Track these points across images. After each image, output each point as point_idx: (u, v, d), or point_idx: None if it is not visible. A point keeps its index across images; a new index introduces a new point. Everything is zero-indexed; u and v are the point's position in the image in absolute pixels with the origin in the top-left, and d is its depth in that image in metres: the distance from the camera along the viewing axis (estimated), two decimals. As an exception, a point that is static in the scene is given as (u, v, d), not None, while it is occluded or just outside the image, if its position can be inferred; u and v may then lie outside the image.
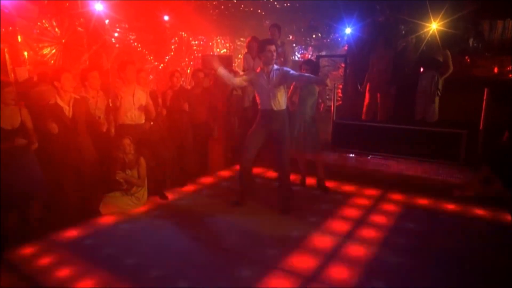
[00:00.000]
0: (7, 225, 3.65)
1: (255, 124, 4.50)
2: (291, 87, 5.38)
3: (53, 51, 7.98)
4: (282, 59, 6.83)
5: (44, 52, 7.87)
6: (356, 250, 3.63)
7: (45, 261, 3.46)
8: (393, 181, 5.50)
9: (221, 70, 4.14)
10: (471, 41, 7.12)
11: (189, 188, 5.40)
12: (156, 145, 4.95)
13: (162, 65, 10.86)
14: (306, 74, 4.49)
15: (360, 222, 4.27)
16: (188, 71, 11.37)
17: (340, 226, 4.16)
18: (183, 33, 11.59)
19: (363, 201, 4.88)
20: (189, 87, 6.00)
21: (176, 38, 11.39)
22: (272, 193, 4.80)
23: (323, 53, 13.18)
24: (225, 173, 6.02)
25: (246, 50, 6.70)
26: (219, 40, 12.95)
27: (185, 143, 5.52)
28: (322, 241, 3.82)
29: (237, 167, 4.70)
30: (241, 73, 4.47)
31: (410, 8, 7.15)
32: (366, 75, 7.10)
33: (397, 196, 5.03)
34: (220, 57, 10.40)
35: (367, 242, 3.78)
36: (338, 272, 3.27)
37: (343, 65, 10.81)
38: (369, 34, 7.52)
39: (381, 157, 6.00)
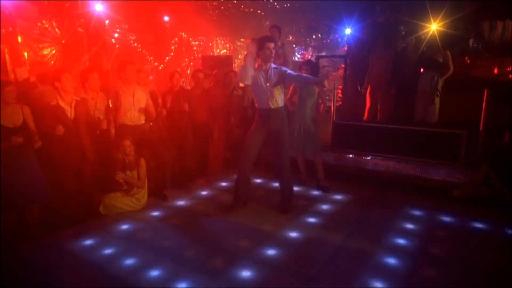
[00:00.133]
0: (6, 226, 3.65)
1: (254, 124, 4.48)
2: (291, 88, 5.39)
3: (53, 51, 7.98)
4: (282, 60, 6.84)
5: (44, 53, 7.87)
6: (356, 250, 3.63)
7: (44, 262, 3.47)
8: (393, 182, 5.50)
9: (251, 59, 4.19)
10: (471, 41, 7.12)
11: (189, 188, 5.40)
12: (156, 145, 4.95)
13: (162, 65, 10.86)
14: (304, 75, 4.47)
15: (360, 223, 4.27)
16: (188, 71, 11.37)
17: (340, 226, 4.16)
18: (183, 33, 11.59)
19: (363, 202, 4.88)
20: (189, 88, 5.99)
21: (176, 39, 11.39)
22: (271, 193, 4.79)
23: (323, 53, 13.19)
24: (225, 174, 6.02)
25: (246, 51, 6.70)
26: (219, 41, 12.96)
27: (185, 144, 5.52)
28: (322, 241, 3.83)
29: (237, 167, 4.66)
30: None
31: (410, 8, 7.15)
32: (366, 76, 7.10)
33: (397, 197, 5.03)
34: (220, 57, 10.44)
35: (367, 243, 3.78)
36: (338, 273, 3.27)
37: (343, 65, 10.82)
38: (369, 34, 7.52)
39: (381, 158, 6.00)
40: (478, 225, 4.19)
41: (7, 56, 6.65)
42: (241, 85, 5.13)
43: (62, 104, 4.14)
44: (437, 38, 6.54)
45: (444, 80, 6.24)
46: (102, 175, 4.66)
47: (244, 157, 4.42)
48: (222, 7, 11.65)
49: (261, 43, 4.27)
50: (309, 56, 13.34)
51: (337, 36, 12.23)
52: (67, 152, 4.15)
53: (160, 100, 5.52)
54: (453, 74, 6.26)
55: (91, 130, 4.49)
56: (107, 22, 8.66)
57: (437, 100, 6.29)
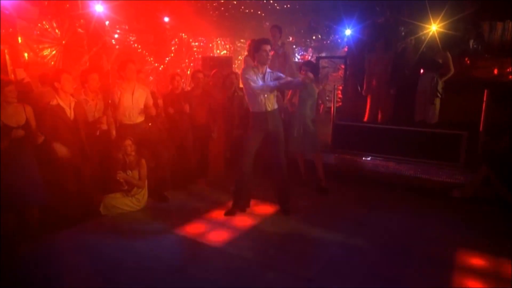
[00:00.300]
0: (6, 226, 3.65)
1: (250, 129, 4.41)
2: (291, 89, 5.38)
3: (53, 52, 7.96)
4: (282, 59, 6.85)
5: (44, 53, 7.86)
6: (356, 251, 3.63)
7: (44, 262, 3.46)
8: (393, 182, 5.50)
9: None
10: (471, 42, 7.12)
11: (189, 189, 5.40)
12: (156, 146, 4.95)
13: (162, 66, 10.85)
14: (286, 80, 4.35)
15: (360, 223, 4.28)
16: (188, 72, 11.36)
17: (340, 226, 4.16)
18: (183, 34, 11.58)
19: (363, 202, 4.88)
20: (189, 89, 5.99)
21: (176, 40, 11.38)
22: (271, 193, 4.77)
23: (323, 54, 13.18)
24: (225, 174, 6.01)
25: (246, 52, 6.71)
26: (219, 42, 12.95)
27: (185, 144, 5.52)
28: (322, 242, 3.83)
29: (237, 168, 4.63)
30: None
31: (410, 9, 7.15)
32: (365, 77, 7.10)
33: (397, 197, 5.03)
34: (220, 58, 10.43)
35: (367, 244, 3.78)
36: (339, 273, 3.27)
37: (343, 66, 10.82)
38: (369, 35, 7.52)
39: (381, 158, 6.00)
40: (478, 225, 4.19)
41: (7, 57, 6.65)
42: (241, 85, 5.11)
43: (61, 103, 4.14)
44: (437, 39, 6.54)
45: (444, 81, 6.24)
46: (102, 175, 4.66)
47: (245, 161, 4.39)
48: (222, 8, 11.64)
49: (257, 45, 4.24)
50: (309, 57, 13.34)
51: (337, 37, 12.24)
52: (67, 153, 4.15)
53: (160, 101, 5.53)
54: (453, 75, 6.25)
55: (91, 130, 4.48)
56: (107, 23, 8.65)
57: (437, 101, 6.29)
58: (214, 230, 4.13)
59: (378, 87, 6.88)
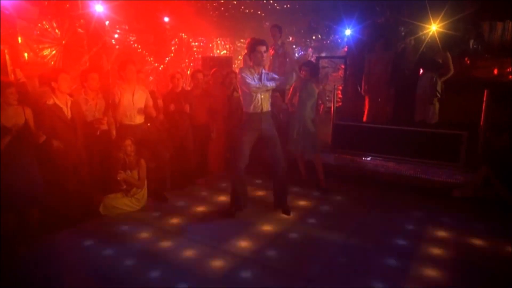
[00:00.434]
0: (6, 226, 3.64)
1: (243, 129, 4.40)
2: (291, 89, 5.39)
3: (53, 52, 7.95)
4: (281, 59, 6.85)
5: (45, 53, 7.85)
6: (357, 251, 3.63)
7: (44, 262, 3.46)
8: (393, 182, 5.50)
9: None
10: (471, 42, 7.12)
11: (189, 189, 5.40)
12: (156, 146, 4.95)
13: (162, 66, 10.84)
14: (276, 79, 4.32)
15: (360, 223, 4.28)
16: (188, 72, 11.36)
17: (340, 227, 4.16)
18: (183, 34, 11.57)
19: (363, 203, 4.88)
20: (188, 89, 5.99)
21: (176, 40, 11.38)
22: (271, 193, 4.77)
23: (323, 54, 13.17)
24: (225, 174, 6.01)
25: (246, 51, 6.70)
26: (219, 42, 12.94)
27: (185, 144, 5.52)
28: (322, 242, 3.83)
29: (232, 170, 4.61)
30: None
31: (410, 9, 7.15)
32: (364, 77, 7.10)
33: (397, 197, 5.03)
34: (220, 58, 10.44)
35: (367, 243, 3.78)
36: (338, 273, 3.27)
37: (343, 66, 10.82)
38: (369, 35, 7.52)
39: (381, 159, 6.00)
40: (478, 225, 4.19)
41: (7, 57, 6.65)
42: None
43: (59, 103, 4.14)
44: (437, 39, 6.54)
45: (443, 81, 6.24)
46: (102, 176, 4.66)
47: (238, 160, 4.38)
48: (222, 8, 11.64)
49: (252, 46, 4.23)
50: (309, 57, 13.33)
51: (337, 37, 12.23)
52: (65, 152, 4.15)
53: (160, 101, 5.53)
54: (453, 74, 6.26)
55: (90, 131, 4.48)
56: (107, 23, 8.65)
57: (437, 101, 6.29)
58: (214, 229, 4.13)
59: (378, 87, 6.88)
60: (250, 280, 3.18)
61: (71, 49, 8.02)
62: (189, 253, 3.61)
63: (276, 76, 4.36)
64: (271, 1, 11.85)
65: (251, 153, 4.42)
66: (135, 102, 4.68)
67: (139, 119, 4.77)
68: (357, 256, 3.57)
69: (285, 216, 4.44)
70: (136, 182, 4.60)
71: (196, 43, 12.22)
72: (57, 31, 7.97)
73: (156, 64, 10.73)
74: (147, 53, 10.40)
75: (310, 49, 13.40)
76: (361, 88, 7.30)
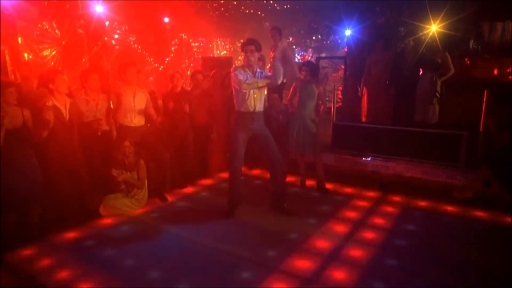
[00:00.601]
0: (6, 227, 3.64)
1: (236, 129, 4.40)
2: (291, 89, 5.39)
3: (53, 52, 7.96)
4: (281, 61, 6.84)
5: (45, 54, 7.86)
6: (356, 252, 3.63)
7: (45, 262, 3.46)
8: (393, 183, 5.50)
9: None
10: (471, 42, 7.12)
11: (189, 189, 5.40)
12: (156, 146, 4.95)
13: (162, 66, 10.85)
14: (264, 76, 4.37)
15: (360, 224, 4.27)
16: (188, 72, 11.37)
17: (340, 227, 4.16)
18: (183, 34, 11.58)
19: (363, 203, 4.88)
20: (188, 89, 5.99)
21: (176, 40, 11.38)
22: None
23: (323, 54, 13.18)
24: (225, 175, 6.00)
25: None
26: (219, 42, 12.95)
27: (185, 145, 5.52)
28: (322, 242, 3.82)
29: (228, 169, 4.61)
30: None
31: (410, 9, 7.15)
32: (363, 78, 7.11)
33: (397, 198, 5.03)
34: (220, 59, 10.44)
35: (367, 244, 3.78)
36: (338, 274, 3.27)
37: (343, 66, 10.82)
38: (369, 36, 7.52)
39: (381, 159, 5.99)
40: (478, 226, 4.19)
41: (7, 57, 6.65)
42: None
43: (57, 104, 4.14)
44: (437, 39, 6.54)
45: (443, 81, 6.24)
46: (103, 176, 4.66)
47: (234, 159, 4.39)
48: (222, 9, 11.64)
49: (242, 47, 4.31)
50: (309, 57, 13.34)
51: (337, 37, 12.24)
52: (62, 153, 4.15)
53: (160, 102, 5.53)
54: (454, 75, 6.25)
55: (90, 131, 4.48)
56: (107, 23, 8.66)
57: (437, 101, 6.28)
58: (213, 230, 4.13)
59: (377, 88, 6.88)
60: (250, 280, 3.17)
61: (71, 49, 8.02)
62: (189, 253, 3.61)
63: (269, 74, 4.36)
64: (271, 2, 11.86)
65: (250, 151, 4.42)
66: (135, 104, 4.68)
67: (139, 121, 4.78)
68: (358, 256, 3.56)
69: (285, 216, 4.43)
70: (136, 182, 4.60)
71: (196, 44, 12.23)
72: (57, 31, 7.98)
73: (156, 65, 10.73)
74: (147, 54, 10.41)
75: (310, 49, 13.41)
76: (360, 89, 7.30)
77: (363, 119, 7.16)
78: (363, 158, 6.11)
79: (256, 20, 12.00)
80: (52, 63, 7.90)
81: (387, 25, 7.43)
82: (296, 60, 13.13)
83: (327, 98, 7.38)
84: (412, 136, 5.85)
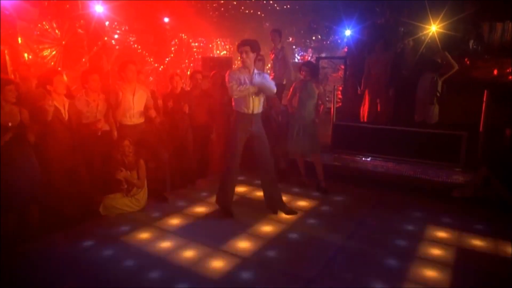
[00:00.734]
0: (6, 226, 3.65)
1: (234, 129, 4.40)
2: (291, 90, 5.39)
3: (53, 52, 7.97)
4: (281, 62, 6.86)
5: (45, 54, 7.86)
6: (356, 252, 3.64)
7: (45, 262, 3.47)
8: (393, 183, 5.50)
9: None
10: (471, 43, 7.13)
11: (188, 190, 5.40)
12: (156, 146, 4.95)
13: (162, 66, 10.85)
14: (270, 82, 4.33)
15: (360, 224, 4.27)
16: (188, 73, 11.38)
17: (340, 227, 4.16)
18: (183, 35, 11.59)
19: (363, 203, 4.88)
20: (188, 89, 5.99)
21: (176, 40, 11.39)
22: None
23: (323, 55, 13.18)
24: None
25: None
26: (219, 42, 12.96)
27: (185, 145, 5.51)
28: (322, 242, 3.83)
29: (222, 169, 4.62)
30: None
31: (410, 10, 7.16)
32: (363, 77, 7.11)
33: (397, 198, 5.03)
34: (220, 59, 10.44)
35: (367, 244, 3.78)
36: (338, 274, 3.27)
37: (342, 67, 10.83)
38: (369, 36, 7.53)
39: (381, 159, 6.00)
40: (478, 226, 4.19)
41: (7, 57, 6.66)
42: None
43: (57, 105, 4.14)
44: (437, 39, 6.55)
45: (446, 80, 6.23)
46: (103, 176, 4.66)
47: (231, 160, 4.39)
48: (222, 9, 11.65)
49: (237, 48, 4.26)
50: (309, 58, 13.35)
51: (337, 37, 12.25)
52: (61, 153, 4.15)
53: (160, 102, 5.52)
54: (454, 75, 6.26)
55: (90, 131, 4.48)
56: (107, 23, 8.67)
57: (437, 101, 6.29)
58: (213, 230, 4.12)
59: (377, 88, 6.89)
60: (250, 280, 3.18)
61: (71, 49, 8.03)
62: (189, 253, 3.61)
63: (267, 77, 4.33)
64: (271, 2, 11.87)
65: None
66: (135, 103, 4.67)
67: (138, 119, 4.76)
68: (357, 256, 3.57)
69: (284, 217, 4.43)
70: (136, 181, 4.61)
71: (196, 44, 12.24)
72: (57, 31, 7.98)
73: (156, 65, 10.74)
74: (147, 54, 10.42)
75: (310, 50, 13.42)
76: (360, 89, 7.30)
77: (363, 119, 7.17)
78: (363, 158, 6.11)
79: (256, 20, 12.00)
80: (52, 63, 7.91)
81: (387, 25, 7.44)
82: (296, 60, 13.15)
83: (327, 98, 7.38)
84: (412, 136, 5.85)
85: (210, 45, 12.71)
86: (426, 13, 6.62)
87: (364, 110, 7.15)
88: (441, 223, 4.28)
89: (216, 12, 11.59)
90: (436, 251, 3.64)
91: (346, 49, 9.68)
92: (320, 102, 5.33)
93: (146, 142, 4.83)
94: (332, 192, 5.21)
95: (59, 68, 7.63)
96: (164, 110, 5.38)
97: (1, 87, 3.58)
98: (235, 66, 10.10)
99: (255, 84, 4.17)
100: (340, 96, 9.50)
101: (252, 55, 4.22)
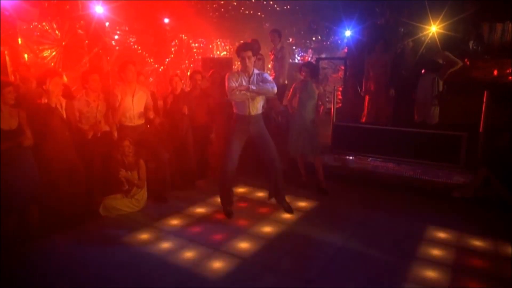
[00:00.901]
0: (6, 226, 3.65)
1: (232, 130, 4.39)
2: (291, 90, 5.39)
3: (54, 53, 7.98)
4: (280, 63, 6.87)
5: (45, 55, 7.88)
6: (356, 252, 3.63)
7: (45, 262, 3.47)
8: (393, 183, 5.50)
9: None
10: (470, 43, 7.13)
11: (188, 190, 5.39)
12: (156, 146, 4.95)
13: (162, 67, 10.86)
14: (267, 86, 4.26)
15: (360, 224, 4.27)
16: (188, 73, 11.38)
17: (340, 227, 4.16)
18: (183, 35, 11.60)
19: (363, 203, 4.88)
20: (188, 89, 6.00)
21: (176, 41, 11.40)
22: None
23: (323, 55, 13.19)
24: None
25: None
26: (219, 43, 12.97)
27: (185, 145, 5.51)
28: (322, 243, 3.83)
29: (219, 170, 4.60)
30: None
31: (410, 10, 7.16)
32: (364, 78, 7.11)
33: (397, 198, 5.03)
34: (220, 59, 10.45)
35: (367, 245, 3.78)
36: (339, 274, 3.27)
37: (342, 67, 10.84)
38: (369, 36, 7.53)
39: (381, 160, 6.00)
40: (478, 226, 4.18)
41: (7, 58, 6.67)
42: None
43: (56, 105, 4.14)
44: (437, 40, 6.55)
45: (444, 82, 6.23)
46: (103, 176, 4.65)
47: (226, 163, 4.36)
48: (222, 9, 11.66)
49: (237, 51, 4.25)
50: (309, 58, 13.35)
51: (337, 38, 12.27)
52: (60, 153, 4.15)
53: (160, 102, 5.52)
54: (453, 76, 6.26)
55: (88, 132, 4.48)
56: (107, 24, 8.68)
57: (437, 102, 6.28)
58: (213, 230, 4.12)
59: (378, 88, 6.89)
60: (250, 281, 3.17)
61: (71, 50, 8.05)
62: (189, 254, 3.61)
63: (268, 78, 4.30)
64: (271, 3, 11.88)
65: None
66: (135, 104, 4.68)
67: (138, 120, 4.77)
68: (357, 257, 3.56)
69: (284, 217, 4.43)
70: (137, 182, 4.61)
71: (196, 44, 12.26)
72: (57, 32, 8.00)
73: (156, 65, 10.75)
74: (147, 54, 10.43)
75: (310, 50, 13.43)
76: (361, 89, 7.30)
77: (363, 120, 7.17)
78: (363, 159, 6.11)
79: (256, 21, 12.02)
80: (52, 64, 7.92)
81: (387, 26, 7.44)
82: (296, 61, 13.16)
83: (327, 99, 7.39)
84: (412, 137, 5.85)
85: (210, 46, 12.73)
86: (426, 14, 6.62)
87: (364, 110, 7.15)
88: (441, 223, 4.27)
89: (216, 13, 11.60)
90: (436, 251, 3.64)
91: (346, 50, 9.70)
92: (320, 103, 5.33)
93: (146, 142, 4.83)
94: (332, 193, 5.21)
95: (59, 69, 7.64)
96: (164, 111, 5.38)
97: (1, 89, 3.58)
98: (235, 67, 10.11)
99: (252, 90, 4.16)
100: (340, 97, 9.50)
101: (253, 59, 4.23)
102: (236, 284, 3.14)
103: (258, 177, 5.57)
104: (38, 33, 7.70)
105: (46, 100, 4.06)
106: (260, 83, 4.22)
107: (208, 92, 5.84)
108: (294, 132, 5.26)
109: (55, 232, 3.99)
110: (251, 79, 4.23)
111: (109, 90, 4.96)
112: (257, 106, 4.33)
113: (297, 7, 11.65)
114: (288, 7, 11.78)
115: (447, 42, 6.60)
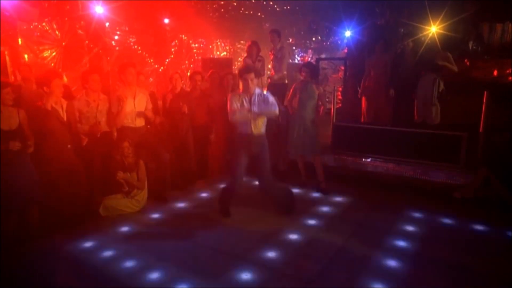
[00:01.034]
0: (6, 226, 3.65)
1: (235, 151, 4.39)
2: (291, 91, 5.40)
3: (54, 53, 7.97)
4: (280, 63, 6.86)
5: (45, 55, 7.86)
6: (356, 252, 3.63)
7: (45, 262, 3.46)
8: (393, 184, 5.50)
9: None
10: (470, 43, 7.13)
11: (189, 190, 5.39)
12: (156, 147, 4.95)
13: (162, 67, 10.85)
14: (269, 108, 4.28)
15: (360, 224, 4.27)
16: (188, 74, 11.37)
17: (340, 228, 4.16)
18: (183, 36, 11.58)
19: (363, 204, 4.88)
20: (188, 90, 6.00)
21: (176, 41, 11.39)
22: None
23: (323, 56, 13.17)
24: (225, 176, 6.00)
25: (246, 53, 6.72)
26: (219, 43, 12.95)
27: (185, 145, 5.51)
28: (322, 243, 3.82)
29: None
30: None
31: (410, 10, 7.16)
32: (363, 78, 7.11)
33: (397, 199, 5.03)
34: (220, 60, 10.45)
35: (367, 244, 3.78)
36: (338, 275, 3.27)
37: (342, 67, 10.83)
38: (369, 37, 7.53)
39: (381, 160, 6.00)
40: (478, 226, 4.19)
41: (7, 58, 6.67)
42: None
43: (54, 106, 4.14)
44: (437, 40, 6.55)
45: (445, 83, 6.24)
46: (103, 177, 4.65)
47: (237, 176, 4.38)
48: (222, 10, 11.64)
49: (239, 73, 4.25)
50: (309, 58, 13.34)
51: (337, 38, 12.23)
52: (60, 153, 4.15)
53: (160, 103, 5.52)
54: (453, 76, 6.26)
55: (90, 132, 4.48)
56: (107, 24, 8.67)
57: (438, 102, 6.29)
58: (213, 231, 4.12)
59: (377, 89, 6.89)
60: (250, 281, 3.17)
61: (71, 50, 8.04)
62: (188, 254, 3.61)
63: (270, 99, 4.28)
64: (271, 3, 11.86)
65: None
66: (136, 106, 4.70)
67: (139, 122, 4.78)
68: (357, 257, 3.56)
69: (284, 217, 4.43)
70: (137, 182, 4.61)
71: (196, 45, 12.24)
72: (57, 32, 7.99)
73: (156, 66, 10.73)
74: (147, 55, 10.41)
75: (310, 50, 13.41)
76: (360, 90, 7.30)
77: (363, 120, 7.16)
78: (363, 159, 6.11)
79: (256, 21, 11.99)
80: (52, 64, 7.91)
81: (387, 26, 7.44)
82: (296, 61, 13.15)
83: (327, 99, 7.39)
84: (412, 137, 5.85)
85: (210, 46, 12.71)
86: (426, 14, 6.62)
87: (364, 110, 7.15)
88: (441, 223, 4.28)
89: (216, 13, 11.58)
90: (436, 252, 3.64)
91: (346, 50, 9.69)
92: (320, 103, 5.33)
93: (146, 142, 4.83)
94: (332, 193, 5.21)
95: (59, 69, 7.64)
96: (164, 111, 5.37)
97: (0, 90, 3.58)
98: (235, 67, 10.11)
99: (254, 112, 4.18)
100: (340, 97, 9.50)
101: (256, 81, 4.23)
102: (236, 284, 3.13)
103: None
104: (38, 33, 7.69)
105: (49, 104, 4.06)
106: (262, 104, 4.22)
107: (207, 92, 5.84)
108: (294, 132, 5.27)
109: (55, 232, 4.00)
110: (252, 100, 4.21)
111: (109, 90, 4.97)
112: (260, 125, 4.31)
113: (297, 7, 11.63)
114: (288, 7, 11.77)
115: (447, 43, 6.60)
